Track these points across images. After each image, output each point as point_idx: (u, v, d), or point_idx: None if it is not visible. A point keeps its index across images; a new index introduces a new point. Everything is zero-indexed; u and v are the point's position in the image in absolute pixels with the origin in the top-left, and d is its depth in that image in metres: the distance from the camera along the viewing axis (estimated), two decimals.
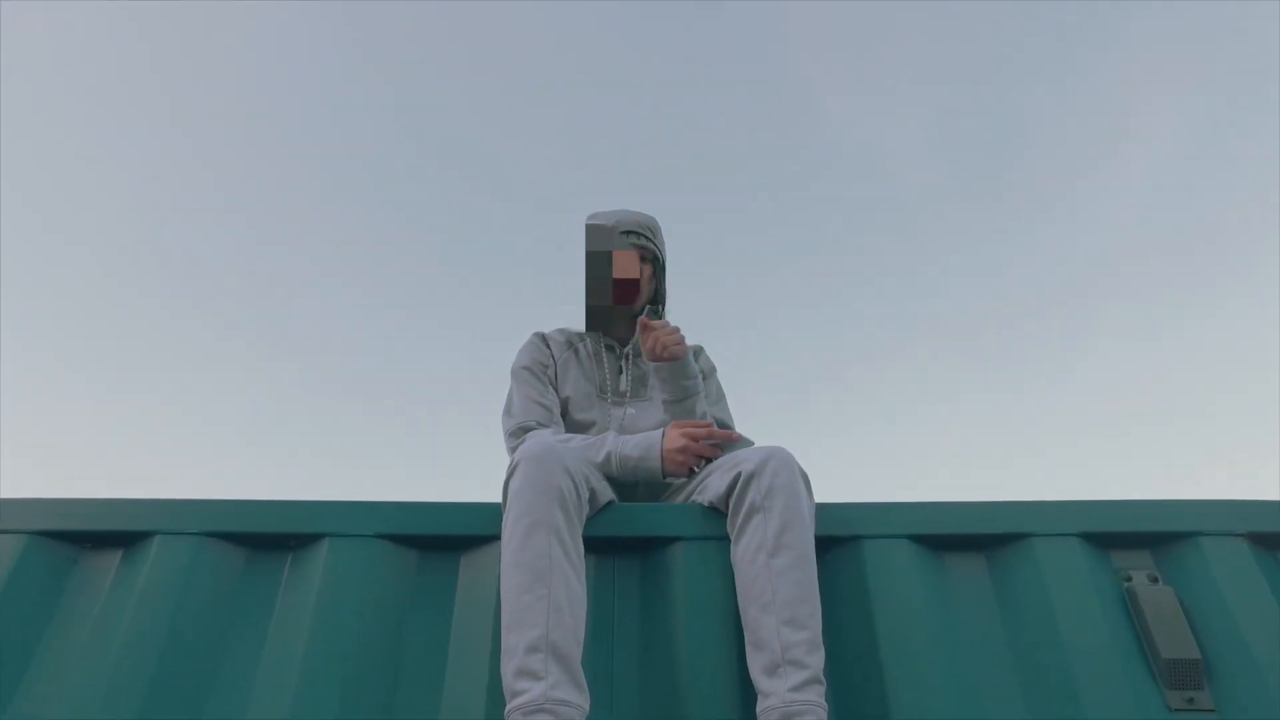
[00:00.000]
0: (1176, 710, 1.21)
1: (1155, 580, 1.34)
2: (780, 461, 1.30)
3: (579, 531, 1.25)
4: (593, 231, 1.69)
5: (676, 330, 1.59)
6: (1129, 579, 1.34)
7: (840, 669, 1.26)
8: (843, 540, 1.37)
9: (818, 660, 1.13)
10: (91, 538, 1.41)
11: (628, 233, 1.76)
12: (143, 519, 1.40)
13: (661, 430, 1.55)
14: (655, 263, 1.81)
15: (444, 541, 1.38)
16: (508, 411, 1.72)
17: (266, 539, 1.39)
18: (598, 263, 1.66)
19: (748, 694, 1.19)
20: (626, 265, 1.69)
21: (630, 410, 1.72)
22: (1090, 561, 1.35)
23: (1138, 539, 1.39)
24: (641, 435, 1.55)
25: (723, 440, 1.52)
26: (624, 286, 1.67)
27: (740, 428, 1.75)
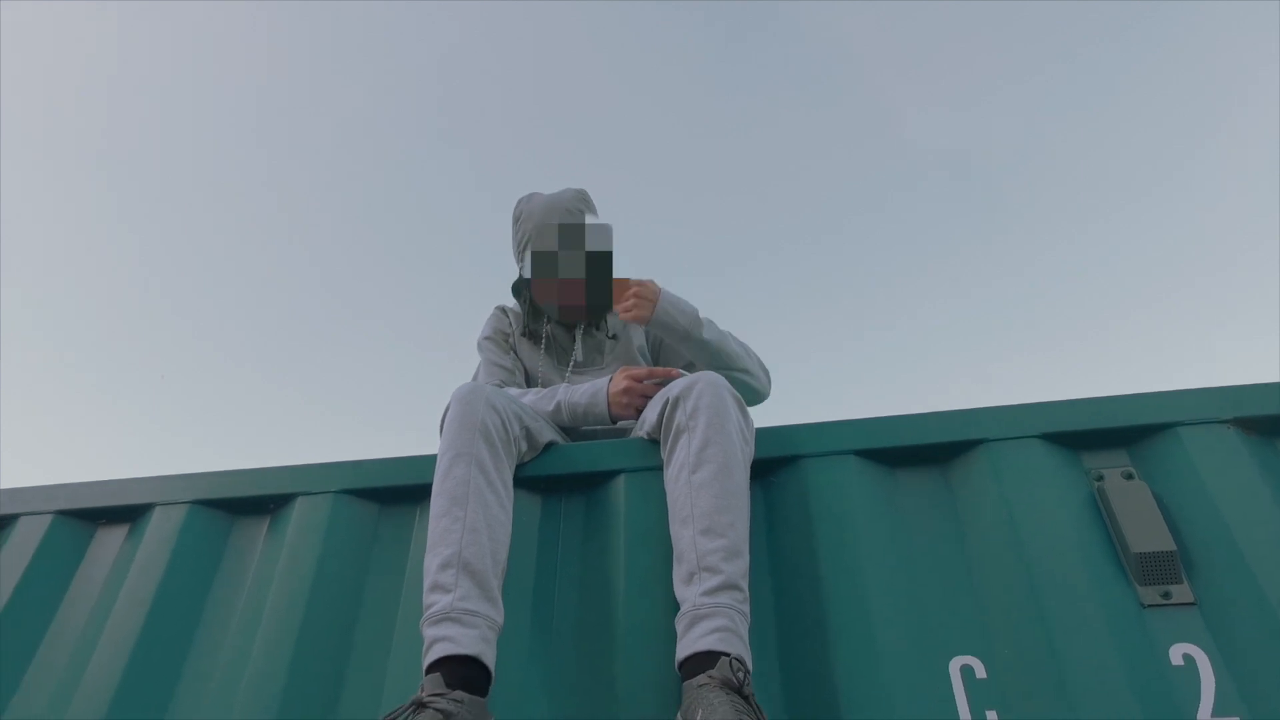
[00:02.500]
0: (1151, 606, 1.11)
1: (1130, 476, 1.23)
2: (706, 383, 1.29)
3: (505, 465, 1.28)
4: (595, 232, 1.69)
5: (645, 289, 1.60)
6: (1100, 478, 1.24)
7: (788, 593, 1.22)
8: (785, 461, 1.33)
9: (735, 567, 1.10)
10: (104, 514, 1.56)
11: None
12: (143, 493, 1.54)
13: (609, 376, 1.56)
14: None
15: (401, 492, 1.44)
16: (476, 376, 1.79)
17: (247, 502, 1.50)
18: (601, 264, 1.68)
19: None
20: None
21: (584, 377, 1.73)
22: (1057, 462, 1.26)
23: (1110, 436, 1.28)
24: (589, 383, 1.57)
25: (663, 378, 1.51)
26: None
27: None
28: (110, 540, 1.54)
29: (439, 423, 1.35)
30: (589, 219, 1.78)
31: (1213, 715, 1.01)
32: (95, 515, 1.56)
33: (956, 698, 1.08)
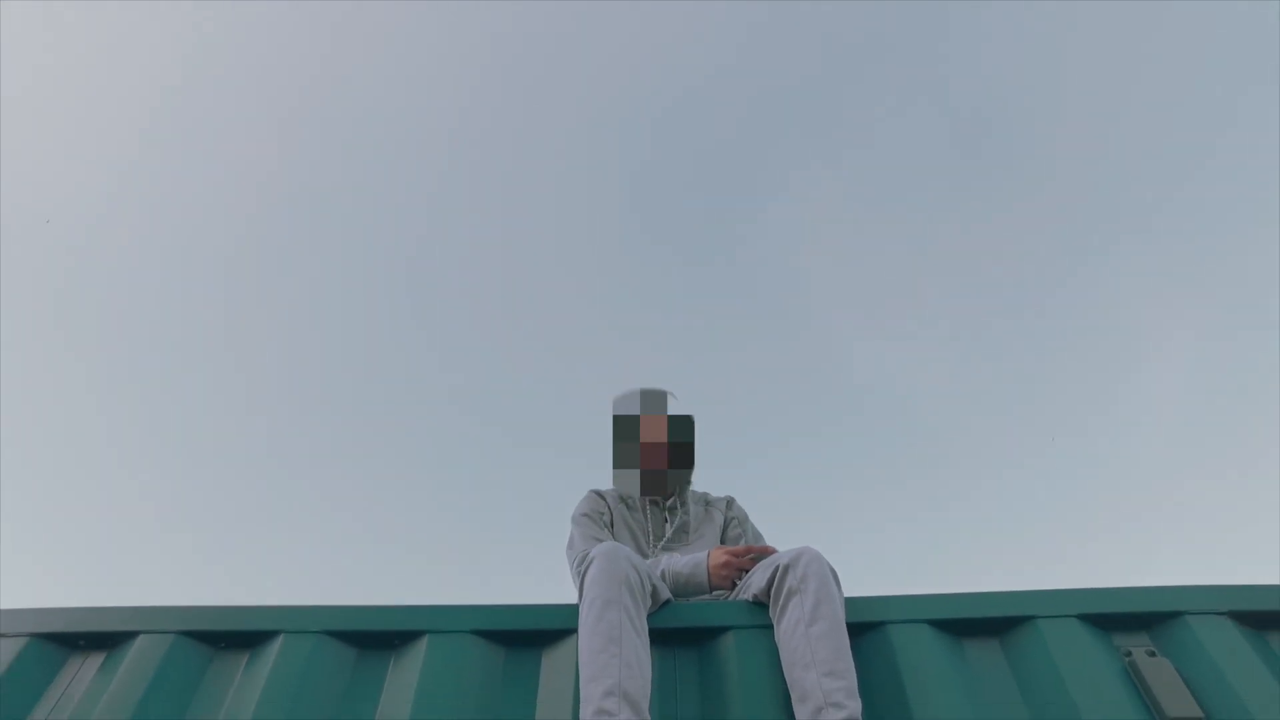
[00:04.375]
0: None
1: (1153, 654, 1.51)
2: (812, 555, 1.55)
3: (644, 615, 1.48)
4: (675, 403, 2.06)
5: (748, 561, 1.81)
6: (1129, 654, 1.52)
7: None
8: (871, 626, 1.57)
9: (855, 705, 1.31)
10: (223, 637, 1.65)
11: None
12: (270, 620, 1.64)
13: (707, 551, 1.80)
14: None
15: (528, 636, 1.60)
16: (570, 547, 2.00)
17: (374, 637, 1.62)
18: (681, 427, 2.02)
19: None
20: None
21: (675, 553, 1.98)
22: (1092, 639, 1.54)
23: (1133, 620, 1.58)
24: (689, 556, 1.80)
25: (760, 554, 1.76)
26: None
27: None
28: (229, 665, 1.62)
29: (579, 580, 1.55)
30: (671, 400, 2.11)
31: None
32: (215, 638, 1.64)
33: None
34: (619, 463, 2.08)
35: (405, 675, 1.56)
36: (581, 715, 1.32)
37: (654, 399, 2.07)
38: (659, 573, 1.76)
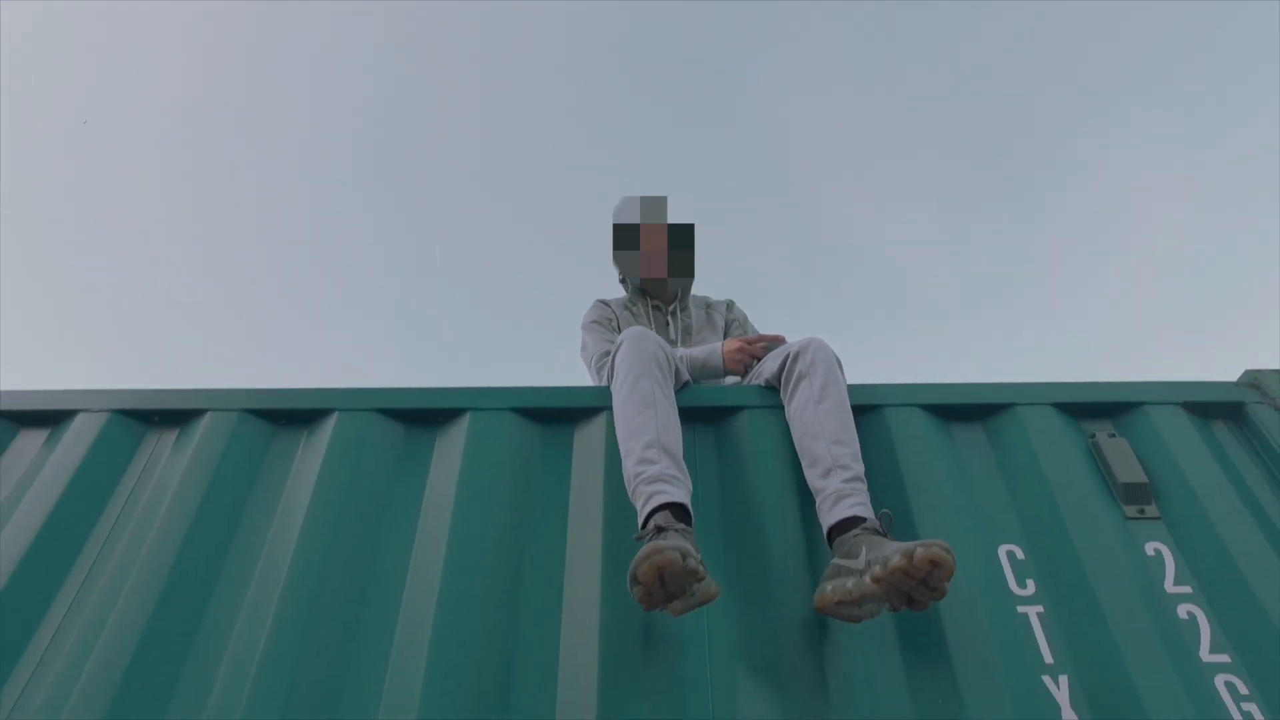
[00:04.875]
0: (1131, 519, 1.59)
1: (1113, 435, 1.73)
2: (819, 343, 1.72)
3: (672, 389, 1.65)
4: (677, 207, 2.15)
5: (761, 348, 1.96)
6: (1093, 436, 1.73)
7: (877, 502, 1.63)
8: (869, 408, 1.76)
9: (860, 467, 1.51)
10: (283, 415, 1.81)
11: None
12: (325, 400, 1.80)
13: (720, 340, 1.97)
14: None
15: (562, 414, 1.78)
16: (584, 350, 2.15)
17: (421, 414, 1.79)
18: (682, 236, 2.12)
19: (806, 510, 1.56)
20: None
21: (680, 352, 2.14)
22: (1063, 424, 1.74)
23: (1100, 408, 1.78)
24: (703, 345, 1.97)
25: (771, 343, 1.93)
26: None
27: None
28: (289, 441, 1.79)
29: (609, 362, 1.71)
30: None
31: (1174, 584, 1.48)
32: (276, 416, 1.80)
33: (1005, 571, 1.51)
34: (622, 271, 2.22)
35: (451, 448, 1.73)
36: (625, 468, 1.50)
37: (654, 206, 2.17)
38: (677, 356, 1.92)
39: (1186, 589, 1.48)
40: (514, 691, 1.35)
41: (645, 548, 1.25)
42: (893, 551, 1.23)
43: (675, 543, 1.24)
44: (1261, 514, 1.57)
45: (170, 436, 1.79)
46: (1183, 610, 1.45)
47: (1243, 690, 1.34)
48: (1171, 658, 1.36)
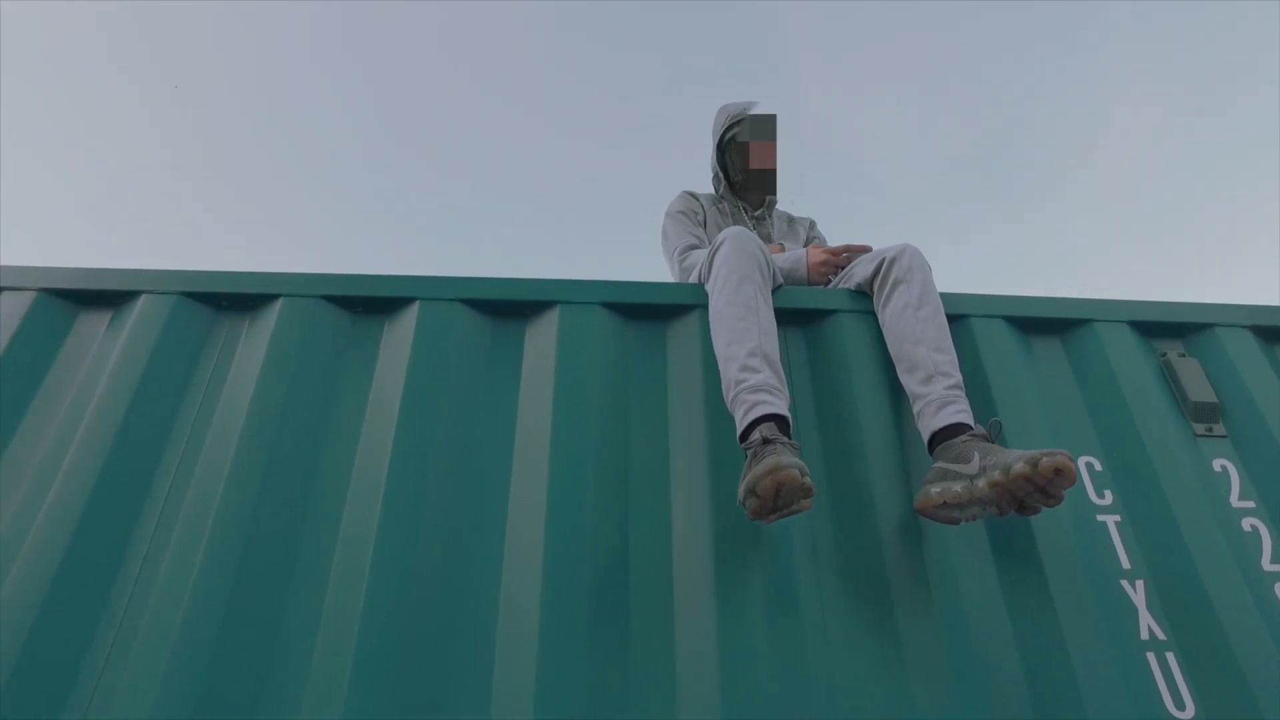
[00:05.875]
0: (1200, 436, 1.67)
1: (1183, 355, 1.79)
2: (914, 251, 1.71)
3: (770, 291, 1.64)
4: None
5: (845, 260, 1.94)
6: (1164, 355, 1.79)
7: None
8: (955, 318, 1.78)
9: (959, 376, 1.54)
10: (225, 298, 1.73)
11: None
12: (405, 288, 1.74)
13: (805, 249, 1.94)
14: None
15: (653, 310, 1.75)
16: (666, 238, 2.11)
17: (508, 306, 1.75)
18: (766, 127, 2.06)
19: (900, 414, 1.60)
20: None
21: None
22: (1136, 342, 1.80)
23: (1172, 328, 1.83)
24: (788, 253, 1.94)
25: (856, 252, 1.91)
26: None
27: None
28: (369, 331, 1.74)
29: (706, 259, 1.68)
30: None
31: (1239, 499, 1.59)
32: (352, 303, 1.74)
33: (1085, 481, 1.60)
34: (737, 164, 2.16)
35: (543, 341, 1.71)
36: (725, 373, 1.50)
37: (765, 125, 2.11)
38: None
39: (1250, 504, 1.58)
40: (631, 592, 1.40)
41: (766, 462, 1.27)
42: (1015, 459, 1.28)
43: (793, 460, 1.27)
44: None
45: (242, 324, 1.72)
46: (1246, 523, 1.56)
47: None
48: (1239, 566, 1.48)
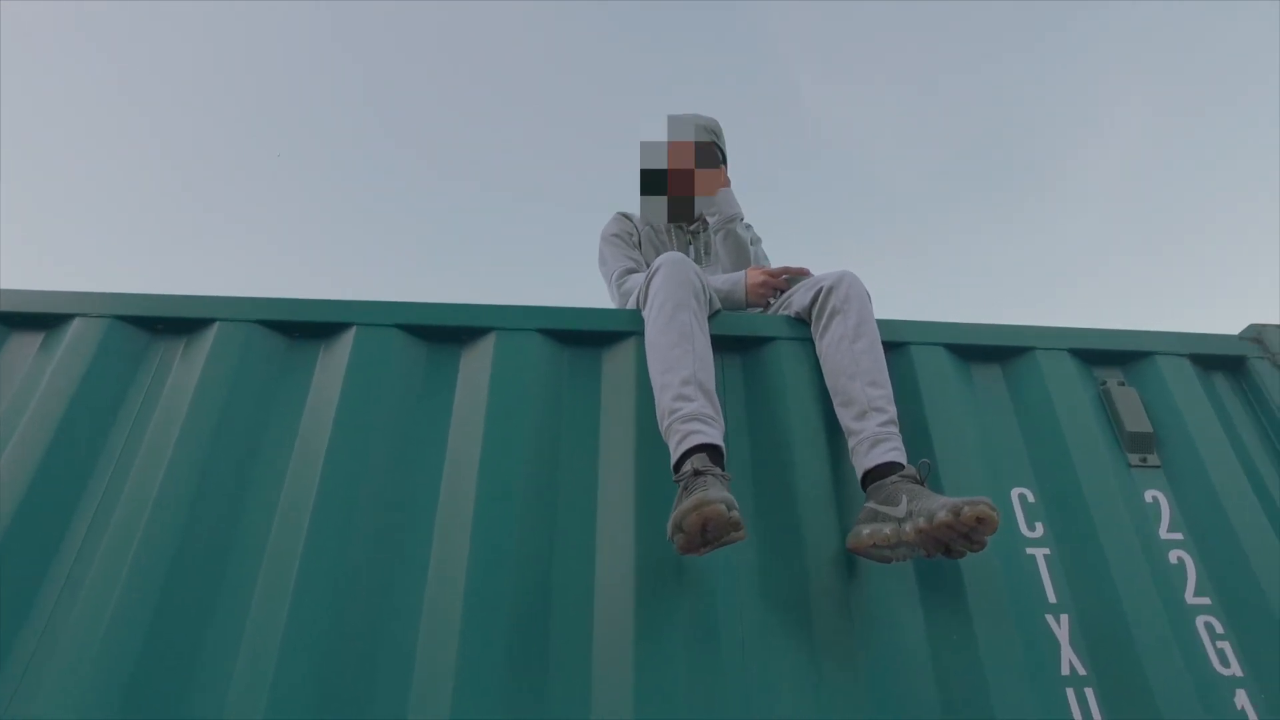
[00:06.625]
0: (1134, 466, 1.68)
1: (1122, 384, 1.79)
2: (852, 279, 1.71)
3: (706, 318, 1.64)
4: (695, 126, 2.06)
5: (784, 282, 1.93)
6: (1104, 383, 1.79)
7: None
8: (895, 345, 1.78)
9: (894, 411, 1.54)
10: (297, 327, 1.74)
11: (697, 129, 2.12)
12: (341, 313, 1.73)
13: (743, 271, 1.94)
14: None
15: (590, 336, 1.75)
16: (604, 263, 2.10)
17: (444, 331, 1.74)
18: (654, 154, 2.03)
19: (835, 446, 1.60)
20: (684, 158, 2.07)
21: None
22: (1077, 370, 1.80)
23: (1112, 355, 1.84)
24: (726, 275, 1.94)
25: (795, 276, 1.91)
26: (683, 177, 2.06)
27: None
28: (305, 355, 1.73)
29: (641, 288, 1.67)
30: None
31: (1167, 530, 1.59)
32: (291, 328, 1.73)
33: (1016, 513, 1.60)
34: (646, 190, 2.11)
35: (477, 367, 1.70)
36: (659, 401, 1.50)
37: (680, 125, 2.07)
38: None
39: (1179, 535, 1.59)
40: (552, 617, 1.40)
41: (692, 498, 1.27)
42: (939, 506, 1.28)
43: (720, 494, 1.26)
44: (1251, 467, 1.67)
45: (177, 348, 1.71)
46: (1173, 555, 1.56)
47: (1219, 629, 1.48)
48: (1161, 600, 1.48)
